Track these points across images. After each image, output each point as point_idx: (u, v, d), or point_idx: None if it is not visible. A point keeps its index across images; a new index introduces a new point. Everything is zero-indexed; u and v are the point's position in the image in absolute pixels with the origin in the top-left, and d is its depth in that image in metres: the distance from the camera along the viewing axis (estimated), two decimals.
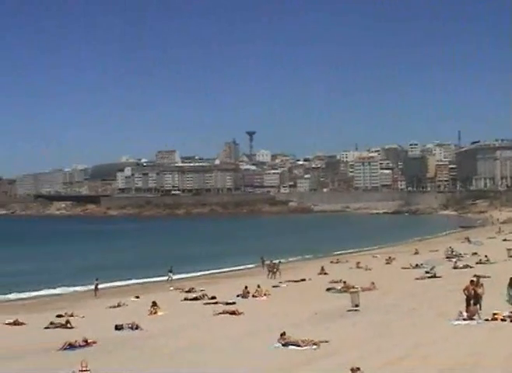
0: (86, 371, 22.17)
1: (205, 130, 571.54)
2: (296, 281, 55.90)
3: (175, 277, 64.67)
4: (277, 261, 65.10)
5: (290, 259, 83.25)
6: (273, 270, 60.80)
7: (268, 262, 66.39)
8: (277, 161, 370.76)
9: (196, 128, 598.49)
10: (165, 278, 64.20)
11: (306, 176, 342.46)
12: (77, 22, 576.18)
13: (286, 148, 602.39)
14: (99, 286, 56.87)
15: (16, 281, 64.84)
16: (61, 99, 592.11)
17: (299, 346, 25.36)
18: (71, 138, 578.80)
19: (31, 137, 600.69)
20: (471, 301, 31.02)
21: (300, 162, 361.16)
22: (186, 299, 47.69)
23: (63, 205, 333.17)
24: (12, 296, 57.80)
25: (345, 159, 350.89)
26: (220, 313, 38.29)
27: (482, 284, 32.79)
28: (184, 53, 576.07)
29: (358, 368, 19.40)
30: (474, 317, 29.20)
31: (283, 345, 25.79)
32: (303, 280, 56.49)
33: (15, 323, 38.96)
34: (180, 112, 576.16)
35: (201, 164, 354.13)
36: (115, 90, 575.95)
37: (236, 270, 74.09)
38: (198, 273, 70.81)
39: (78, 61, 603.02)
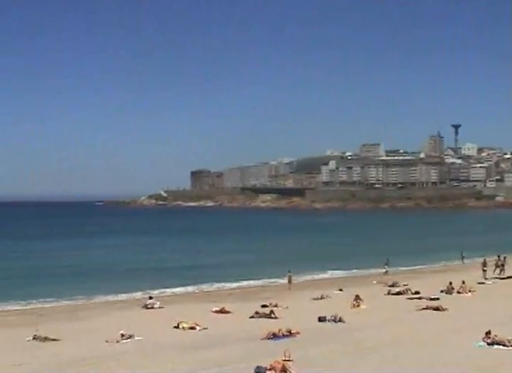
0: (289, 360, 22.58)
1: (408, 123, 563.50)
2: (502, 278, 53.91)
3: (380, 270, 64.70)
4: (502, 257, 60.91)
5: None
6: (500, 265, 57.80)
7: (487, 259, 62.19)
8: (483, 154, 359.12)
9: (400, 121, 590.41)
10: (369, 272, 64.60)
11: None
12: None
13: (493, 141, 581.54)
14: (299, 278, 57.64)
15: (223, 272, 67.23)
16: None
17: (505, 345, 24.46)
18: (276, 132, 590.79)
19: (236, 132, 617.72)
20: None
21: (507, 156, 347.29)
22: (389, 293, 47.29)
23: (268, 198, 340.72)
24: (220, 285, 59.80)
25: None
26: (423, 308, 37.65)
27: None
28: None
29: None
30: None
31: (488, 344, 24.96)
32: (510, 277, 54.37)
33: (222, 311, 40.33)
34: (383, 103, 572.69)
35: (405, 157, 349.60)
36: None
37: (440, 266, 72.49)
38: (404, 268, 69.91)
39: None
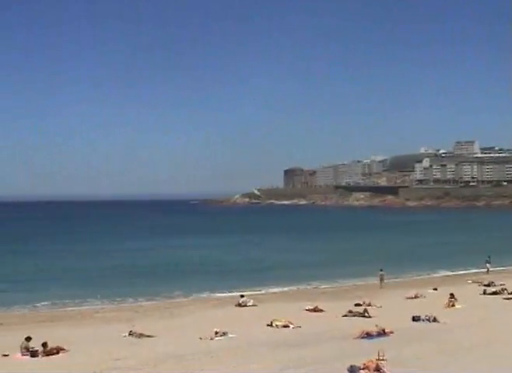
0: (383, 360, 22.43)
1: (505, 120, 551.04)
2: None
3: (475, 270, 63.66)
4: None
5: None
6: None
7: None
8: None
9: (496, 117, 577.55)
10: (465, 272, 63.64)
11: None
12: None
13: None
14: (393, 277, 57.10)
15: (315, 272, 67.24)
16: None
17: None
18: (369, 130, 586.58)
19: (329, 130, 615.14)
20: None
21: None
22: (484, 293, 46.38)
23: (361, 196, 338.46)
24: (312, 284, 59.73)
25: None
26: None
27: None
28: None
29: None
30: None
31: None
32: None
33: (315, 310, 40.34)
34: (478, 99, 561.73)
35: (501, 155, 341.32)
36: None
37: None
38: (500, 268, 68.40)
39: None
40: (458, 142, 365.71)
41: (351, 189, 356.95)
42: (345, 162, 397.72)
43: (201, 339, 30.60)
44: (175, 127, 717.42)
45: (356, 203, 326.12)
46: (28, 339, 29.22)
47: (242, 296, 46.03)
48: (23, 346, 28.85)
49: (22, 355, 28.47)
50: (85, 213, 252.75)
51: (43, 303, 49.06)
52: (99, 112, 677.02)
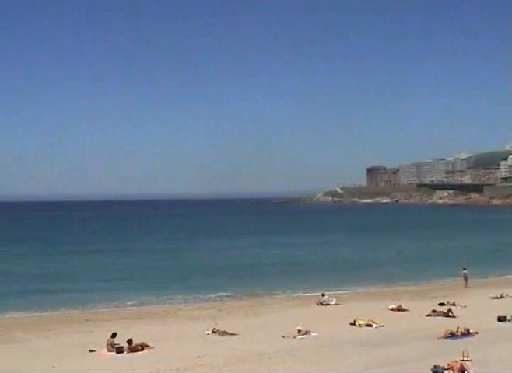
0: (467, 361, 22.09)
1: None
2: None
3: None
4: None
5: None
6: None
7: None
8: None
9: None
10: None
11: None
12: None
13: None
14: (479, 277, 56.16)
15: (397, 270, 66.71)
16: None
17: None
18: (453, 128, 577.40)
19: (412, 128, 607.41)
20: None
21: None
22: None
23: (445, 194, 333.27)
24: (395, 283, 59.15)
25: None
26: None
27: None
28: None
29: None
30: None
31: None
32: None
33: (399, 309, 40.01)
34: None
35: None
36: None
37: None
38: None
39: None
40: None
41: (434, 187, 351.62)
42: (429, 160, 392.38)
43: (283, 337, 30.71)
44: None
45: (440, 201, 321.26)
46: (114, 335, 29.84)
47: (323, 295, 45.92)
48: (109, 342, 29.48)
49: (108, 351, 29.10)
50: (156, 212, 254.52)
51: (129, 301, 49.92)
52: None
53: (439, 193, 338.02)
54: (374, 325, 33.66)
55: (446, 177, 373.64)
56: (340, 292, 52.07)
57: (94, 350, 29.31)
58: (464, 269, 55.22)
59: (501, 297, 44.69)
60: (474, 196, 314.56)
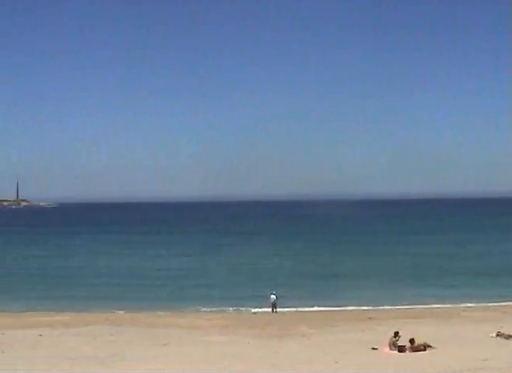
0: None
1: None
2: None
3: None
4: None
5: None
6: None
7: None
8: None
9: None
10: None
11: None
12: None
13: None
14: None
15: None
16: None
17: None
18: None
19: None
20: None
21: None
22: None
23: None
24: None
25: None
26: None
27: None
28: None
29: None
30: None
31: None
32: None
33: None
34: None
35: None
36: None
37: None
38: None
39: None
40: None
41: None
42: None
43: None
44: None
45: None
46: (396, 334, 30.00)
47: None
48: (391, 341, 29.71)
49: (390, 350, 29.36)
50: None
51: (406, 301, 49.99)
52: None
53: None
54: None
55: None
56: None
57: (376, 348, 29.68)
58: None
59: None
60: None
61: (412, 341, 29.26)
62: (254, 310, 47.74)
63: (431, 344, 29.42)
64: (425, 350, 28.94)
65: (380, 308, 47.74)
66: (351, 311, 46.74)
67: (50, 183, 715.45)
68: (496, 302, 48.91)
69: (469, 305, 48.04)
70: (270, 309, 46.59)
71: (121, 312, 46.40)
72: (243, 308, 48.66)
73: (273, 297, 46.66)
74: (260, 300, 48.93)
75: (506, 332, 32.08)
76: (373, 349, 29.76)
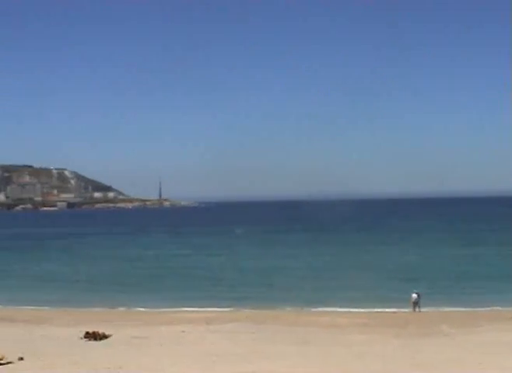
0: None
1: None
2: None
3: None
4: None
5: None
6: None
7: None
8: None
9: None
10: None
11: None
12: None
13: None
14: None
15: None
16: None
17: None
18: None
19: None
20: None
21: None
22: None
23: None
24: None
25: None
26: None
27: None
28: None
29: None
30: None
31: None
32: None
33: None
34: None
35: None
36: None
37: None
38: None
39: None
40: None
41: None
42: None
43: None
44: None
45: None
46: None
47: None
48: None
49: None
50: None
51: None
52: None
53: None
54: None
55: None
56: None
57: None
58: None
59: None
60: None
61: None
62: (394, 309, 47.21)
63: None
64: None
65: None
66: (494, 310, 45.34)
67: (191, 182, 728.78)
68: None
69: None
70: (411, 309, 46.01)
71: (262, 311, 46.82)
72: (382, 308, 48.10)
73: (414, 295, 46.11)
74: (400, 299, 48.24)
75: None
76: None
